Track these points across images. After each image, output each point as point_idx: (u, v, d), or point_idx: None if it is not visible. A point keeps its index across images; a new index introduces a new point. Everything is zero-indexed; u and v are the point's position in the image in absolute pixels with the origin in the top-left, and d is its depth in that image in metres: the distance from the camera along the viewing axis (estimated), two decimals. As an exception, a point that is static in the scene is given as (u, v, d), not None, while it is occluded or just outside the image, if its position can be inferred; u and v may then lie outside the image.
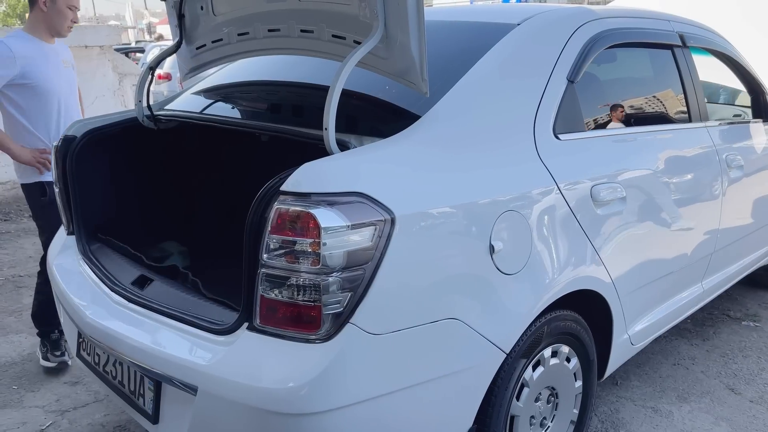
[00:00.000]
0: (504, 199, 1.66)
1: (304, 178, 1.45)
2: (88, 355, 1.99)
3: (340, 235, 1.40)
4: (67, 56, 2.95)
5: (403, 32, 1.64)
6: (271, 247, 1.44)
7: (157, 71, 9.33)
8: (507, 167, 1.73)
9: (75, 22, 2.85)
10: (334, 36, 1.89)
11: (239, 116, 2.22)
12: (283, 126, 1.91)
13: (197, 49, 2.30)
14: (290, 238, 1.42)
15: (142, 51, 14.79)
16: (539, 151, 1.80)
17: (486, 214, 1.61)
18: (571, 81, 1.96)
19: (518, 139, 1.78)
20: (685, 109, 2.56)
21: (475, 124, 1.73)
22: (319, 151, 1.64)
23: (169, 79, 10.88)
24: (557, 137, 1.88)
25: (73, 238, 2.23)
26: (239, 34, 2.15)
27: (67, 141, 2.18)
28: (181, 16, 2.24)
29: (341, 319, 1.41)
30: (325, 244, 1.39)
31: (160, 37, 13.18)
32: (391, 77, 1.77)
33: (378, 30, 1.65)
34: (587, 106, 2.07)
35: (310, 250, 1.41)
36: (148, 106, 2.26)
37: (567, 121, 1.93)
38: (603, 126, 2.16)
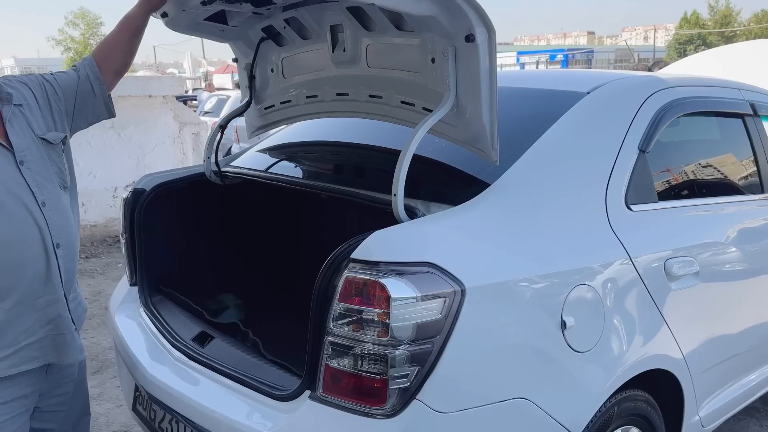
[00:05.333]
0: (577, 271, 1.61)
1: (375, 246, 1.44)
2: (144, 410, 1.98)
3: (409, 306, 1.37)
4: None
5: (475, 102, 1.64)
6: (339, 314, 1.42)
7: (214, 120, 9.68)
8: (579, 239, 1.68)
9: None
10: (402, 102, 1.91)
11: (302, 176, 2.25)
12: (346, 188, 1.91)
13: (266, 109, 2.36)
14: (359, 307, 1.40)
15: (194, 99, 15.44)
16: (611, 223, 1.75)
17: (558, 288, 1.56)
18: (642, 151, 1.92)
19: (590, 210, 1.74)
20: (757, 179, 2.47)
21: (546, 194, 1.70)
22: (381, 213, 1.64)
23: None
24: (629, 208, 1.82)
25: (135, 289, 2.27)
26: (307, 97, 2.21)
27: (137, 194, 2.24)
28: (251, 77, 2.31)
29: (408, 395, 1.37)
30: (393, 314, 1.36)
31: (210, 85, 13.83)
32: (459, 144, 1.77)
33: (449, 99, 1.66)
34: (659, 177, 2.02)
35: (378, 320, 1.38)
36: (216, 162, 2.31)
37: (639, 191, 1.88)
38: (675, 197, 2.10)
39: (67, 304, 1.72)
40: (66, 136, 1.84)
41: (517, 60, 33.54)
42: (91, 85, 1.87)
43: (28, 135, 1.71)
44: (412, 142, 1.59)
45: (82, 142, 6.20)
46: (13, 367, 1.65)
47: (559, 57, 35.39)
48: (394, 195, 1.57)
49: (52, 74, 1.89)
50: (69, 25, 51.56)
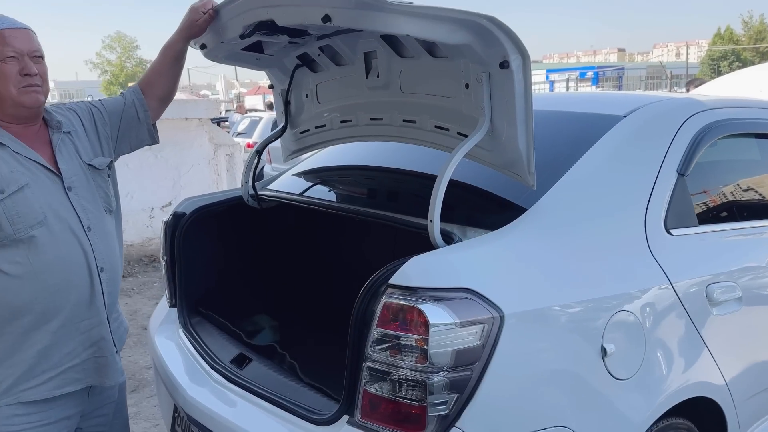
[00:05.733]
0: (616, 297, 1.59)
1: (412, 271, 1.44)
2: (183, 431, 2.01)
3: (448, 332, 1.37)
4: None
5: (510, 126, 1.65)
6: (377, 340, 1.43)
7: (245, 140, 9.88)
8: (619, 264, 1.66)
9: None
10: (437, 127, 1.93)
11: (336, 200, 2.28)
12: (380, 212, 1.93)
13: (301, 133, 2.41)
14: (397, 333, 1.40)
15: (226, 120, 15.76)
16: (651, 248, 1.73)
17: (598, 314, 1.55)
18: (681, 174, 1.89)
19: (629, 235, 1.72)
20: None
21: (583, 219, 1.69)
22: (414, 236, 1.65)
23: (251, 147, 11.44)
24: (669, 233, 1.80)
25: (174, 310, 2.31)
26: (342, 121, 2.24)
27: (177, 217, 2.30)
28: (287, 103, 2.36)
29: (447, 422, 1.37)
30: (432, 341, 1.37)
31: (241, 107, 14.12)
32: (495, 168, 1.77)
33: (484, 124, 1.67)
34: (699, 200, 1.99)
35: (416, 345, 1.39)
36: (254, 186, 2.36)
37: (678, 215, 1.85)
38: (715, 220, 2.07)
39: (109, 326, 1.77)
40: (111, 161, 1.91)
41: (547, 77, 33.34)
42: (136, 111, 1.95)
43: (76, 161, 1.78)
44: (449, 167, 1.61)
45: (120, 164, 6.25)
46: (57, 389, 1.70)
47: (589, 74, 35.05)
48: (431, 221, 1.58)
49: (100, 100, 1.99)
50: (106, 48, 53.36)
